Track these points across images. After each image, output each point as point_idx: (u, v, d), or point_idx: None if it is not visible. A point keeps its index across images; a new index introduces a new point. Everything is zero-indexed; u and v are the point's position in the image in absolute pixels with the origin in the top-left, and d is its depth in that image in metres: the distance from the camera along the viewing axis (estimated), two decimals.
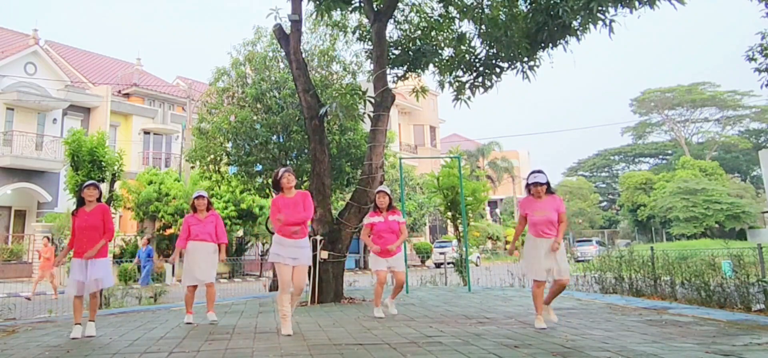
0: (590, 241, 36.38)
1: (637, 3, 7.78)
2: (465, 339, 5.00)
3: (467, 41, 9.87)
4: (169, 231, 22.75)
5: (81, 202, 5.91)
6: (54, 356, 4.72)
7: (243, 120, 13.74)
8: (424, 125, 43.76)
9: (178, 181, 24.16)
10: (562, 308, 7.36)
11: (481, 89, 10.15)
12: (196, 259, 6.66)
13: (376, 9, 9.37)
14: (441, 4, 9.67)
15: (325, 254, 8.46)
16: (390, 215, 6.83)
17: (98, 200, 5.94)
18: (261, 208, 23.02)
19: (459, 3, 8.95)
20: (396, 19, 10.51)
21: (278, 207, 5.62)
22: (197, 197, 6.89)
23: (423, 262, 31.42)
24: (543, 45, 9.02)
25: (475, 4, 9.10)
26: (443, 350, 4.51)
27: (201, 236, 6.67)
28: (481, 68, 10.04)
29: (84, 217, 5.78)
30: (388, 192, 7.00)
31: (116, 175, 11.89)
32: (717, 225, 40.56)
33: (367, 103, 9.30)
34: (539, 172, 5.83)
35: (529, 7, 8.96)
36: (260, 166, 14.51)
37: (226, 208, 22.70)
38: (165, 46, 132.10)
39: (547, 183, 5.76)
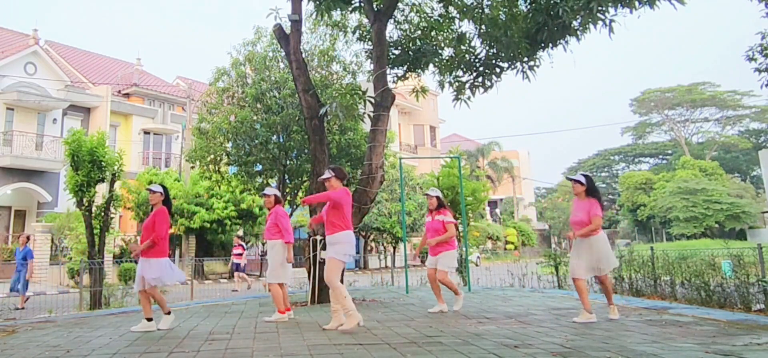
0: None
1: (637, 3, 7.77)
2: (465, 339, 5.00)
3: (467, 41, 9.86)
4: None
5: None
6: (54, 356, 4.72)
7: (243, 120, 13.72)
8: (424, 125, 43.76)
9: (178, 181, 24.17)
10: (562, 308, 7.37)
11: (481, 89, 10.14)
12: (268, 257, 6.83)
13: (376, 9, 9.36)
14: (441, 4, 9.65)
15: (325, 254, 8.45)
16: (437, 214, 7.13)
17: (163, 202, 6.12)
18: (261, 208, 23.02)
19: (459, 3, 8.95)
20: (396, 19, 10.50)
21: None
22: (262, 195, 7.06)
23: (423, 262, 31.36)
24: (543, 45, 9.00)
25: (475, 4, 9.09)
26: (443, 350, 4.51)
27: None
28: (481, 68, 10.03)
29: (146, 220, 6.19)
30: (434, 194, 7.29)
31: (116, 175, 11.89)
32: (717, 225, 40.57)
33: (367, 103, 9.30)
34: (580, 174, 6.29)
35: (529, 7, 8.95)
36: (260, 166, 14.50)
37: (226, 208, 22.72)
38: (165, 46, 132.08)
39: (582, 184, 6.12)
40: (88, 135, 12.20)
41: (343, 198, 5.78)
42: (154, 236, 5.89)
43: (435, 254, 7.08)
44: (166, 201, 6.16)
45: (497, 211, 52.92)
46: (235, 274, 17.74)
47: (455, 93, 10.24)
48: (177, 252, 23.54)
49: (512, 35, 8.67)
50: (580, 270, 6.06)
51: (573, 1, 7.75)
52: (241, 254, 17.76)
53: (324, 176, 6.04)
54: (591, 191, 6.07)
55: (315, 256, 8.48)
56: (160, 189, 6.17)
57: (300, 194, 15.14)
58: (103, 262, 11.54)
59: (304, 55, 9.98)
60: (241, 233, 19.26)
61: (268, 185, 14.95)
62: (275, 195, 6.89)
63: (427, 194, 7.45)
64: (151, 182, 6.29)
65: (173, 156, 28.63)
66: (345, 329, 5.48)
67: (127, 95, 28.79)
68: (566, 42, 8.85)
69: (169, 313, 6.12)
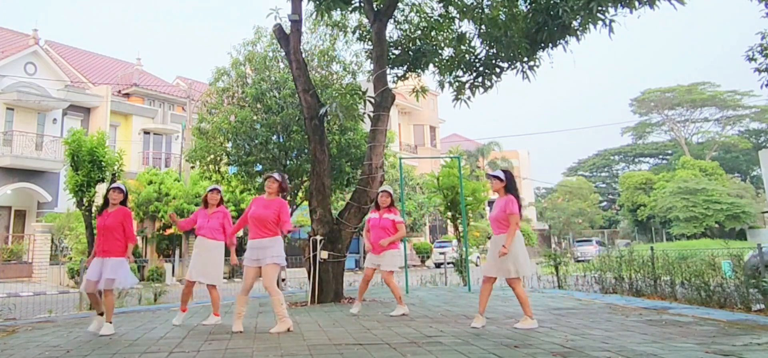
0: (590, 241, 36.40)
1: (637, 3, 7.78)
2: (465, 339, 5.00)
3: (467, 41, 9.87)
4: (169, 231, 22.77)
5: (106, 203, 6.10)
6: (54, 356, 4.71)
7: (243, 120, 13.74)
8: (424, 125, 43.74)
9: (178, 181, 24.15)
10: (562, 308, 7.37)
11: (481, 89, 10.15)
12: (200, 255, 6.51)
13: (376, 9, 9.36)
14: (441, 4, 9.66)
15: (325, 254, 8.46)
16: (385, 213, 6.95)
17: (122, 203, 6.06)
18: None
19: (459, 3, 8.95)
20: (396, 19, 10.51)
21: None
22: (211, 191, 6.77)
23: (423, 262, 31.42)
24: (543, 45, 9.02)
25: (475, 4, 9.09)
26: (443, 350, 4.51)
27: (204, 232, 6.52)
28: (481, 68, 10.04)
29: (105, 218, 5.97)
30: (390, 191, 7.13)
31: (116, 175, 11.88)
32: (717, 225, 40.55)
33: (367, 103, 9.30)
34: (499, 170, 6.11)
35: (529, 7, 8.96)
36: (260, 166, 14.52)
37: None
38: (165, 46, 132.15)
39: (501, 180, 5.84)
40: (88, 135, 12.19)
41: (255, 208, 5.75)
42: (131, 238, 5.94)
43: (378, 252, 6.84)
44: (124, 201, 6.09)
45: None
46: None
47: (455, 93, 10.25)
48: (177, 252, 23.54)
49: (512, 35, 8.68)
50: (492, 270, 5.77)
51: (573, 1, 7.76)
52: None
53: (269, 175, 6.08)
54: (510, 188, 5.81)
55: (315, 256, 8.49)
56: (122, 189, 6.14)
57: (300, 193, 15.16)
58: None
59: (304, 55, 9.98)
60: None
61: None
62: (222, 196, 6.89)
63: (383, 190, 7.18)
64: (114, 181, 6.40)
65: (173, 156, 28.62)
66: (274, 331, 5.56)
67: (127, 95, 28.79)
68: (566, 42, 8.86)
69: (102, 317, 5.90)
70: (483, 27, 9.22)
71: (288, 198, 14.09)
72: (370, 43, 10.40)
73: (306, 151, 13.52)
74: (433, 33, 10.16)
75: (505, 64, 9.76)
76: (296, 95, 11.46)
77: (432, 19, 10.02)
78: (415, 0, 10.47)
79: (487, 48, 9.79)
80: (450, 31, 10.03)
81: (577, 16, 8.07)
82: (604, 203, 64.42)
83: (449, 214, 14.02)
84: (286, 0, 9.83)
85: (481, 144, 50.74)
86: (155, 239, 22.99)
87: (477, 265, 27.32)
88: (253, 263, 5.65)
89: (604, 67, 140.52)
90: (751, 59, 9.47)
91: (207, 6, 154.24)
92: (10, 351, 4.99)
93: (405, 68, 10.44)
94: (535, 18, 8.73)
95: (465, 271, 11.91)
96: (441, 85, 10.49)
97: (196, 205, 22.65)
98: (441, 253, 22.83)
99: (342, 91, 11.06)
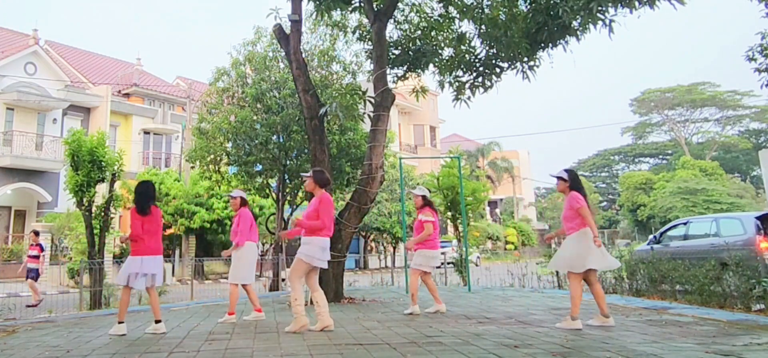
0: None
1: (637, 3, 7.78)
2: (465, 339, 5.00)
3: (467, 41, 9.86)
4: (169, 231, 22.77)
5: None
6: (54, 356, 4.72)
7: (243, 120, 13.73)
8: (424, 125, 43.76)
9: (178, 181, 24.16)
10: (562, 308, 7.37)
11: (481, 89, 10.15)
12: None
13: (376, 9, 9.36)
14: (441, 4, 9.66)
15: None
16: (420, 213, 7.19)
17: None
18: (261, 208, 23.02)
19: (459, 3, 8.95)
20: (396, 19, 10.51)
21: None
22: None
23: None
24: (543, 45, 9.01)
25: (475, 4, 9.09)
26: (443, 350, 4.51)
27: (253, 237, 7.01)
28: (481, 68, 10.04)
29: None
30: (418, 193, 7.27)
31: (116, 175, 11.89)
32: None
33: (367, 103, 9.30)
34: (563, 170, 6.12)
35: (529, 7, 8.95)
36: (260, 166, 14.51)
37: (226, 208, 22.74)
38: (165, 46, 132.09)
39: (565, 179, 5.95)
40: (88, 135, 12.19)
41: (320, 206, 5.66)
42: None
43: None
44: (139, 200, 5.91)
45: (497, 211, 52.89)
46: (29, 281, 13.38)
47: (455, 93, 10.24)
48: (177, 252, 23.55)
49: (512, 35, 8.67)
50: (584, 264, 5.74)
51: (573, 1, 7.75)
52: (37, 257, 13.51)
53: (305, 175, 6.16)
54: (574, 186, 5.91)
55: None
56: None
57: (300, 193, 15.15)
58: (103, 262, 11.53)
59: (304, 55, 9.98)
60: (38, 228, 15.14)
61: (268, 185, 14.97)
62: (241, 197, 7.00)
63: (412, 193, 7.45)
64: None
65: (173, 156, 28.62)
66: (288, 330, 5.59)
67: (127, 95, 28.78)
68: (566, 42, 8.86)
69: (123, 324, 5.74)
70: (483, 27, 9.22)
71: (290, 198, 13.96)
72: (370, 43, 10.39)
73: (306, 151, 13.51)
74: (433, 33, 10.16)
75: (505, 64, 9.76)
76: (296, 95, 11.46)
77: (432, 19, 10.01)
78: (415, 0, 10.47)
79: (487, 48, 9.78)
80: (450, 31, 10.02)
81: (577, 16, 8.07)
82: (604, 203, 64.41)
83: (449, 214, 14.04)
84: (286, 0, 9.83)
85: (481, 144, 50.76)
86: None
87: (477, 265, 27.31)
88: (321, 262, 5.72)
89: (604, 67, 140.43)
90: (751, 59, 9.47)
91: (207, 6, 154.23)
92: (10, 351, 4.99)
93: (405, 68, 10.44)
94: (535, 18, 8.73)
95: (465, 271, 11.91)
96: (441, 85, 10.49)
97: (197, 205, 22.67)
98: (441, 253, 22.83)
99: (342, 91, 11.05)
